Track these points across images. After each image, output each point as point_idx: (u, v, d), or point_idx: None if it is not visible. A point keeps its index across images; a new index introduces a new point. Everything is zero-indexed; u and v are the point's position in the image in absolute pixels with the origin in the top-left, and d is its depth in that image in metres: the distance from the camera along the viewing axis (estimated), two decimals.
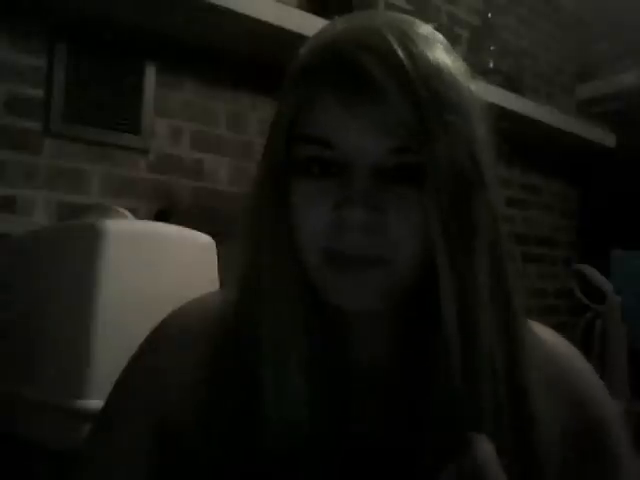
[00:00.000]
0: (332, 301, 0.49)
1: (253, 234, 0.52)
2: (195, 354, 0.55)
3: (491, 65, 1.90)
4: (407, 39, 0.48)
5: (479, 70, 1.80)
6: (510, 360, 0.50)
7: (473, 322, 0.48)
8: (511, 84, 1.89)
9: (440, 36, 0.52)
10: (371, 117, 0.47)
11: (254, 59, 1.40)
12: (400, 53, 0.46)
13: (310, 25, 1.24)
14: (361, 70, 0.46)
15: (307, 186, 0.49)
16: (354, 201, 0.46)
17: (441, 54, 0.49)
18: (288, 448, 0.49)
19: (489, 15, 2.00)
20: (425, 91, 0.46)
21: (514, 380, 0.49)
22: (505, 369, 0.49)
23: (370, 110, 0.46)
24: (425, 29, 0.51)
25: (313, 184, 0.49)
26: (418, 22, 0.52)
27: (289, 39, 1.23)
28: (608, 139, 2.30)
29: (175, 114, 1.37)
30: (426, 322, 0.50)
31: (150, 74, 1.32)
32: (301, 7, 1.34)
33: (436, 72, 0.47)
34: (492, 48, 1.91)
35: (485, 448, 0.42)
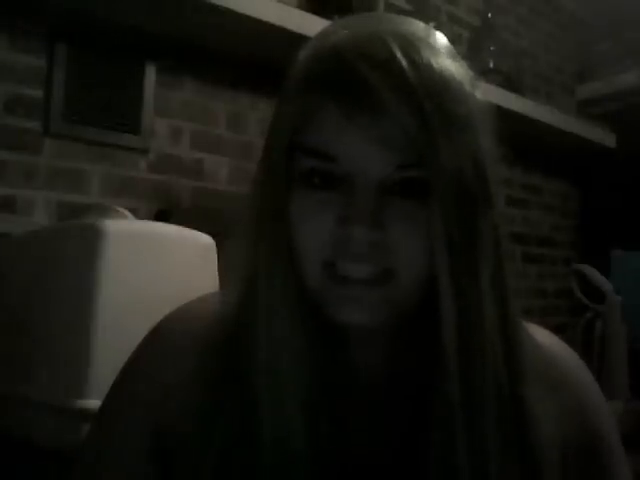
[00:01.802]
0: (332, 315, 0.49)
1: (252, 241, 0.51)
2: (194, 356, 0.54)
3: (491, 65, 1.90)
4: (411, 47, 0.46)
5: (479, 70, 1.80)
6: (511, 374, 0.49)
7: (474, 340, 0.47)
8: (511, 84, 1.89)
9: (445, 41, 0.50)
10: (374, 130, 0.45)
11: (254, 59, 1.40)
12: (403, 63, 0.45)
13: (310, 25, 1.24)
14: (363, 81, 0.45)
15: (308, 197, 0.48)
16: (358, 219, 0.45)
17: (446, 62, 0.47)
18: (285, 460, 0.48)
19: (489, 15, 1.99)
20: (429, 102, 0.45)
21: (515, 394, 0.49)
22: (506, 383, 0.48)
23: (373, 122, 0.45)
24: (430, 35, 0.49)
25: (314, 196, 0.48)
26: (423, 27, 0.50)
27: (289, 39, 1.23)
28: (608, 139, 2.30)
29: (175, 114, 1.37)
30: (427, 337, 0.49)
31: (150, 74, 1.32)
32: (301, 7, 1.34)
33: (441, 82, 0.46)
34: (492, 48, 1.91)
35: None
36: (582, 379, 0.57)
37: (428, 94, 0.45)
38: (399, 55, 0.45)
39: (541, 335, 0.58)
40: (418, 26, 0.50)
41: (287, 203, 0.49)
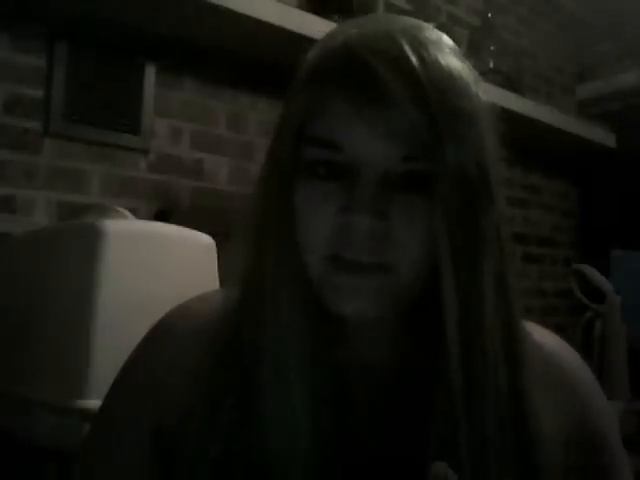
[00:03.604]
0: (333, 307, 0.49)
1: (256, 235, 0.52)
2: (195, 354, 0.55)
3: (491, 65, 1.90)
4: (419, 44, 0.47)
5: (479, 70, 1.79)
6: (512, 371, 0.49)
7: (476, 336, 0.47)
8: (511, 84, 1.89)
9: (450, 41, 0.51)
10: (381, 122, 0.46)
11: (254, 59, 1.40)
12: (412, 58, 0.46)
13: (310, 25, 1.24)
14: (372, 74, 0.45)
15: (312, 188, 0.48)
16: (360, 208, 0.46)
17: (453, 61, 0.48)
18: (288, 456, 0.48)
19: (489, 15, 2.00)
20: (436, 97, 0.45)
21: (516, 391, 0.49)
22: (507, 381, 0.49)
23: (380, 115, 0.46)
24: (436, 34, 0.50)
25: (318, 186, 0.48)
26: (429, 27, 0.51)
27: (289, 39, 1.23)
28: (608, 139, 2.30)
29: (175, 114, 1.37)
30: (430, 331, 0.50)
31: (150, 74, 1.32)
32: (301, 7, 1.34)
33: (448, 78, 0.47)
34: (492, 48, 1.91)
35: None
36: (584, 378, 0.58)
37: (436, 90, 0.46)
38: (409, 52, 0.46)
39: (542, 334, 0.58)
40: (425, 26, 0.51)
41: (292, 194, 0.49)
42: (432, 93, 0.45)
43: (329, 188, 0.48)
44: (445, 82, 0.46)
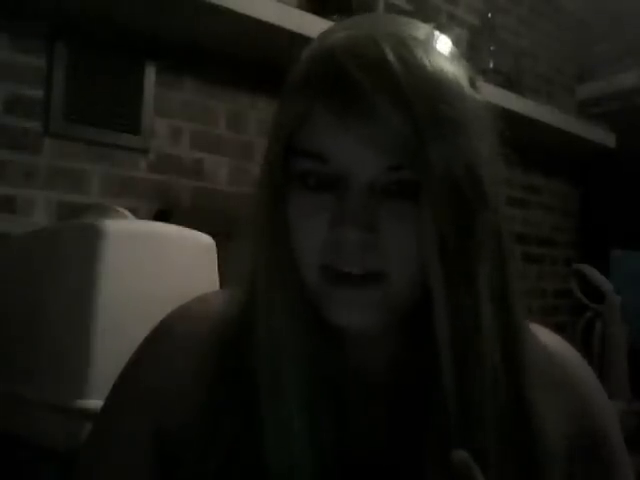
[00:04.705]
0: (328, 318, 0.49)
1: (252, 242, 0.52)
2: (195, 357, 0.54)
3: (491, 65, 1.90)
4: (404, 48, 0.46)
5: (479, 70, 1.80)
6: (512, 372, 0.49)
7: (470, 339, 0.47)
8: (511, 84, 1.90)
9: (446, 43, 0.50)
10: (366, 131, 0.45)
11: (254, 59, 1.40)
12: (394, 63, 0.45)
13: (310, 25, 1.24)
14: (354, 82, 0.45)
15: (303, 199, 0.48)
16: (348, 221, 0.45)
17: (442, 63, 0.47)
18: (287, 463, 0.48)
19: (489, 15, 2.00)
20: (420, 104, 0.44)
21: (517, 392, 0.49)
22: (508, 382, 0.48)
23: (364, 124, 0.45)
24: (429, 36, 0.49)
25: (309, 197, 0.48)
26: (424, 29, 0.50)
27: (289, 39, 1.23)
28: (608, 139, 2.30)
29: (175, 114, 1.37)
30: (426, 337, 0.49)
31: (150, 74, 1.32)
32: (301, 7, 1.34)
33: (434, 83, 0.46)
34: (492, 48, 1.91)
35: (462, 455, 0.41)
36: (586, 379, 0.57)
37: (419, 95, 0.45)
38: (390, 56, 0.45)
39: (544, 335, 0.57)
40: (418, 28, 0.50)
41: (285, 204, 0.49)
42: (415, 99, 0.44)
43: (319, 199, 0.48)
44: (430, 86, 0.45)
